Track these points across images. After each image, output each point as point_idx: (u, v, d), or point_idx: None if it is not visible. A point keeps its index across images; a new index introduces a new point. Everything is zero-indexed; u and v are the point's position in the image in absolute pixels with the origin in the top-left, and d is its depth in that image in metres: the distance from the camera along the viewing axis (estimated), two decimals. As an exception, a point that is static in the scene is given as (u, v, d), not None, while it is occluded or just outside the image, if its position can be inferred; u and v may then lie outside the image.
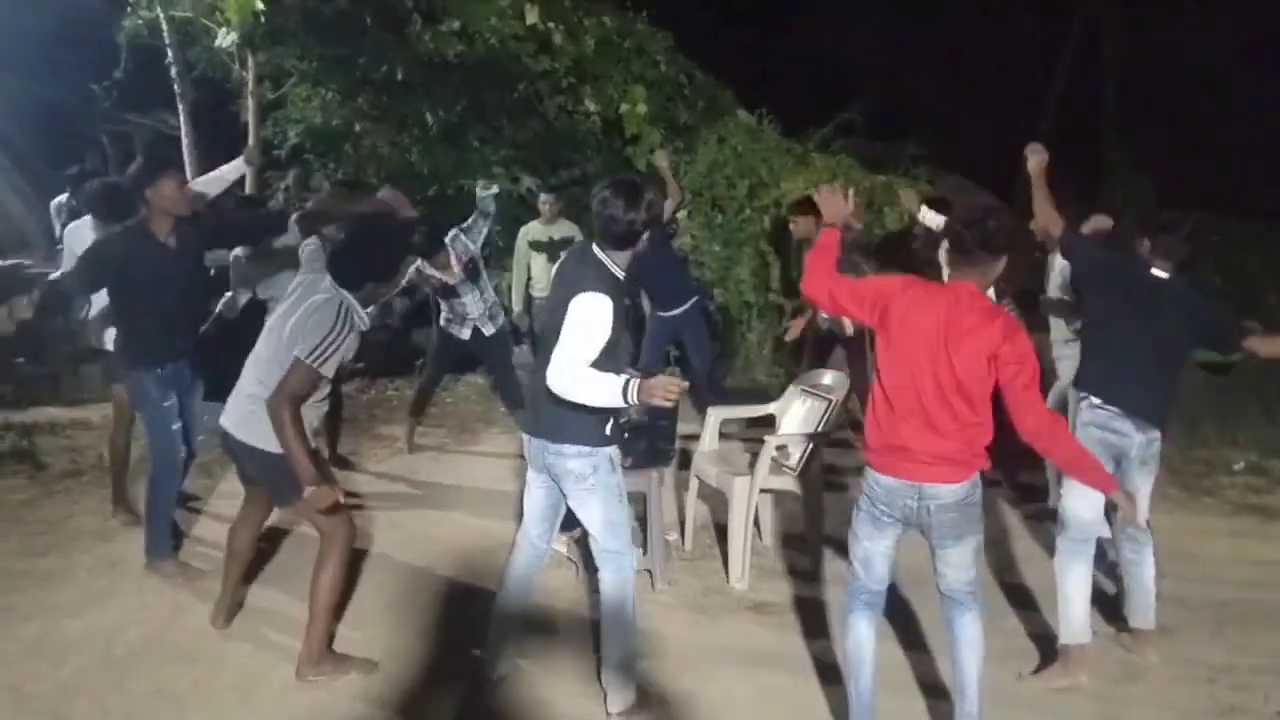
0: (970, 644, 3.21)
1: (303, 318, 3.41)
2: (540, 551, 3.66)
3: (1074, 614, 3.72)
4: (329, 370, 3.43)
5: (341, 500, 3.44)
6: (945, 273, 3.27)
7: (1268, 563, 4.98)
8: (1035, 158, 4.24)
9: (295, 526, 5.07)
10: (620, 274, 3.27)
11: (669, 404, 3.05)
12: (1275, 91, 12.64)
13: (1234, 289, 9.06)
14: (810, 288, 3.31)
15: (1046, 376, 5.36)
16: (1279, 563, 4.98)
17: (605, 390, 3.04)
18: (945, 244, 3.20)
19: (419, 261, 5.82)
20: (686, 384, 3.12)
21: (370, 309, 3.61)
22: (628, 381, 3.01)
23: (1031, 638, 4.13)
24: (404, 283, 6.13)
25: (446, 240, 5.98)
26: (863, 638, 3.24)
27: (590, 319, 3.12)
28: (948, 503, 3.04)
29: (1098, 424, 3.76)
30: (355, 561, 4.70)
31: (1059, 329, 5.31)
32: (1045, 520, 5.28)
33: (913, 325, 2.98)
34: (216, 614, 4.02)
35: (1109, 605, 4.32)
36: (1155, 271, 3.77)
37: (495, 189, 6.37)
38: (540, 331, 3.63)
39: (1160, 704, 3.65)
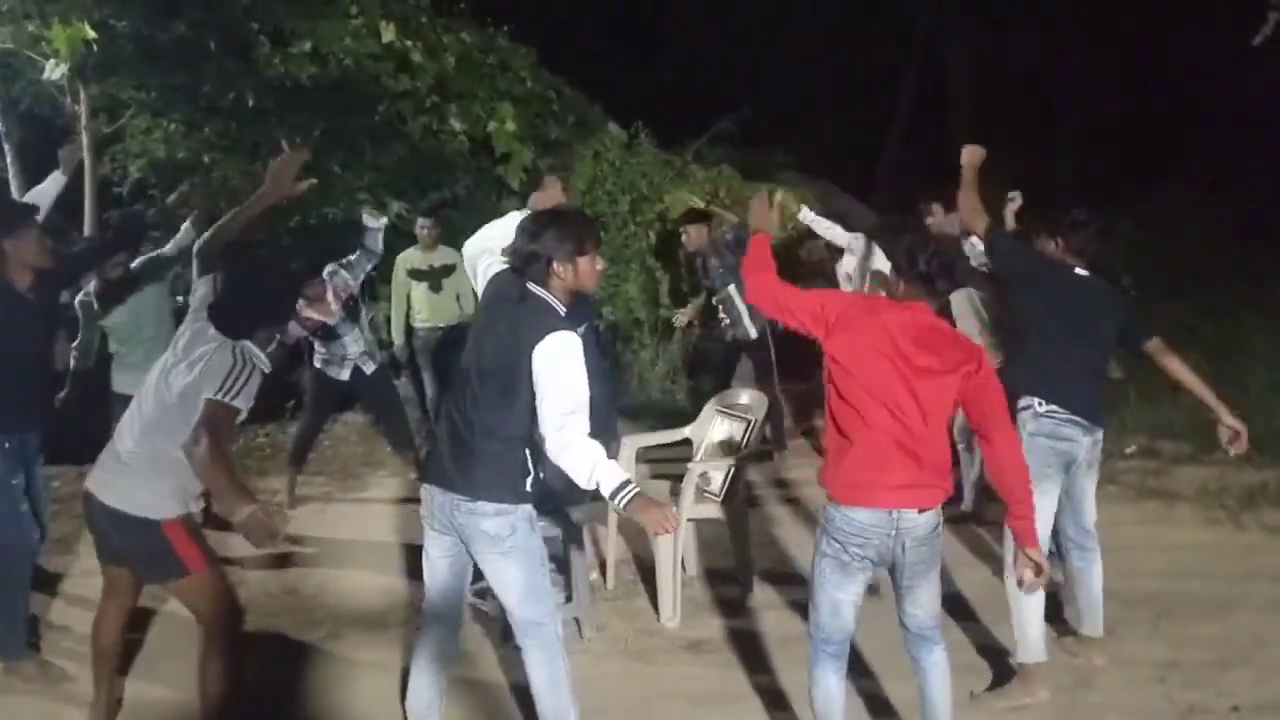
0: (944, 677, 3.07)
1: (197, 373, 3.03)
2: (454, 625, 3.27)
3: (1031, 633, 3.59)
4: (243, 403, 3.04)
5: (285, 527, 2.95)
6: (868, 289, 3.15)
7: (1181, 548, 5.02)
8: (970, 153, 4.01)
9: (168, 603, 4.54)
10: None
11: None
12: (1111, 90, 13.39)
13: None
14: (757, 295, 3.15)
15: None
16: (1192, 548, 5.02)
17: (597, 471, 2.75)
18: (883, 269, 3.10)
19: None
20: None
21: (270, 348, 3.25)
22: (626, 485, 2.74)
23: (979, 650, 4.00)
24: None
25: (324, 275, 5.55)
26: (833, 691, 3.02)
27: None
28: (922, 535, 2.88)
29: (1045, 433, 3.63)
30: (245, 638, 4.24)
31: (967, 322, 5.10)
32: (967, 524, 5.22)
33: (873, 346, 2.81)
34: (93, 724, 3.47)
35: (1047, 607, 4.24)
36: (1078, 271, 3.73)
37: (384, 220, 5.86)
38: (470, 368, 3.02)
39: (1121, 710, 3.56)
